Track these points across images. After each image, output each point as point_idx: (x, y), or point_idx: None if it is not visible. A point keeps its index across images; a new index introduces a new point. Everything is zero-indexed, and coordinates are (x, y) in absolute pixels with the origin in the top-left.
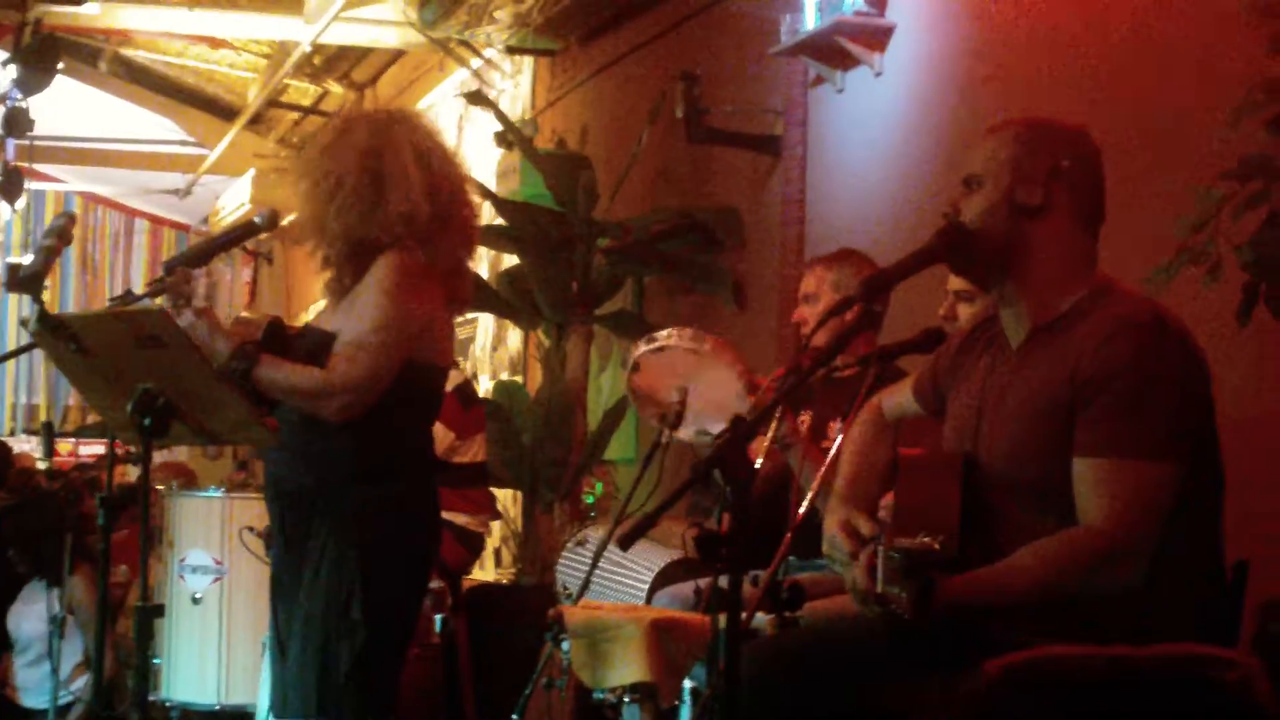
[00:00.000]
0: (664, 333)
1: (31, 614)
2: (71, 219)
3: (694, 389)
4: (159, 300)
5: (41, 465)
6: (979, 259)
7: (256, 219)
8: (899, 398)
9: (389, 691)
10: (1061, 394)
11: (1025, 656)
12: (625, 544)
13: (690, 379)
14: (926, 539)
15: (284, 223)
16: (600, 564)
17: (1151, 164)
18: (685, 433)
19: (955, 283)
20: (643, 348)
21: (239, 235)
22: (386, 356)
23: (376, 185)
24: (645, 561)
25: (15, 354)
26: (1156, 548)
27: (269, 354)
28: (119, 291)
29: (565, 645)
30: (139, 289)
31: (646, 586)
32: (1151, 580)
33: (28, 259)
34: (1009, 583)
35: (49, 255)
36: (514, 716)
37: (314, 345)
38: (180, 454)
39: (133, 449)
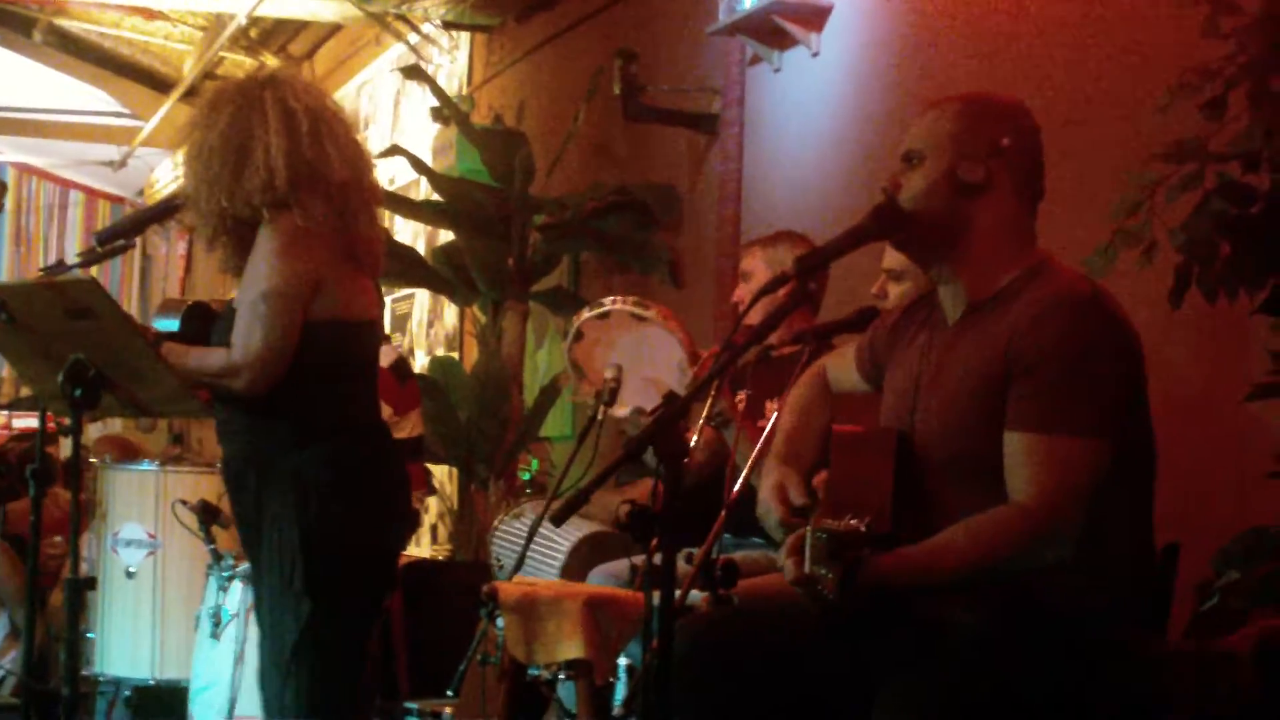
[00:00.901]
0: (609, 299)
1: None
2: (1, 187)
3: (633, 361)
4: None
5: None
6: (918, 236)
7: None
8: (844, 369)
9: (349, 671)
10: (995, 370)
11: None
12: (558, 520)
13: (632, 348)
14: (853, 521)
15: None
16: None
17: (1090, 145)
18: (621, 410)
19: (887, 261)
20: (586, 314)
21: (171, 208)
22: (280, 324)
23: (241, 157)
24: (569, 537)
25: None
26: (1086, 524)
27: (172, 342)
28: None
29: (500, 621)
30: (72, 261)
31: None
32: (1080, 558)
33: None
34: (938, 561)
35: None
36: (449, 693)
37: (231, 322)
38: (114, 425)
39: (65, 420)
